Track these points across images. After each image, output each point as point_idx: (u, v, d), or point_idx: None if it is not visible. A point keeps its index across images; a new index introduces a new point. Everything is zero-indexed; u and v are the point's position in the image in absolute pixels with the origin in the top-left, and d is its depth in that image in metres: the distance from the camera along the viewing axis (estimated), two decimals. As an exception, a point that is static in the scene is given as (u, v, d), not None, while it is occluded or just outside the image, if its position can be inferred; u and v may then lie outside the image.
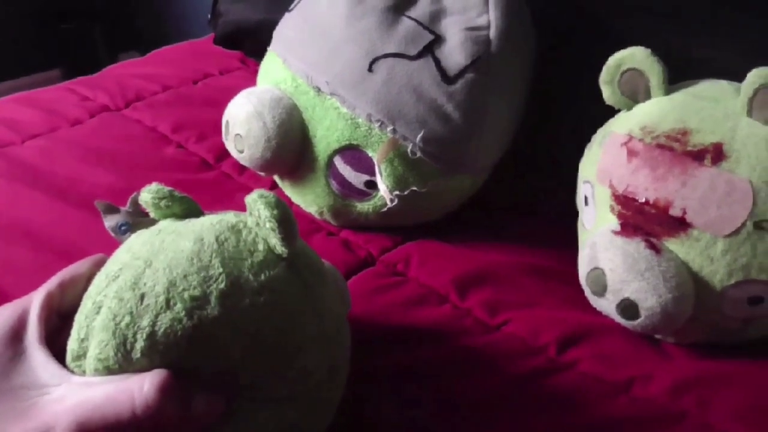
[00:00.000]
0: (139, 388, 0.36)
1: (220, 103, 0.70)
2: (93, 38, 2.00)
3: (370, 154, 0.63)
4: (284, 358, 0.41)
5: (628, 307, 0.53)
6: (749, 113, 0.53)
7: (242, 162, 0.68)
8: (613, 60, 0.58)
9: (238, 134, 0.66)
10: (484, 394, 0.53)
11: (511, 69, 0.66)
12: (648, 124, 0.55)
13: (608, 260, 0.53)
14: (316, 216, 0.70)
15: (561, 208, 0.65)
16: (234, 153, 0.68)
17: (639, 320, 0.53)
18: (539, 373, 0.55)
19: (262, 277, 0.41)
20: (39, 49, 1.92)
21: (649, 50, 0.56)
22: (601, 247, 0.54)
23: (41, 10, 1.90)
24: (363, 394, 0.51)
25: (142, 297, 0.39)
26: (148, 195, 0.44)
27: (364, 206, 0.66)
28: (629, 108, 0.59)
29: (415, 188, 0.63)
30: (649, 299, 0.52)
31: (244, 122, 0.65)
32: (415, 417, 0.51)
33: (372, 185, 0.64)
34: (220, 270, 0.40)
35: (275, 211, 0.41)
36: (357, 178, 0.65)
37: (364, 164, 0.64)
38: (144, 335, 0.38)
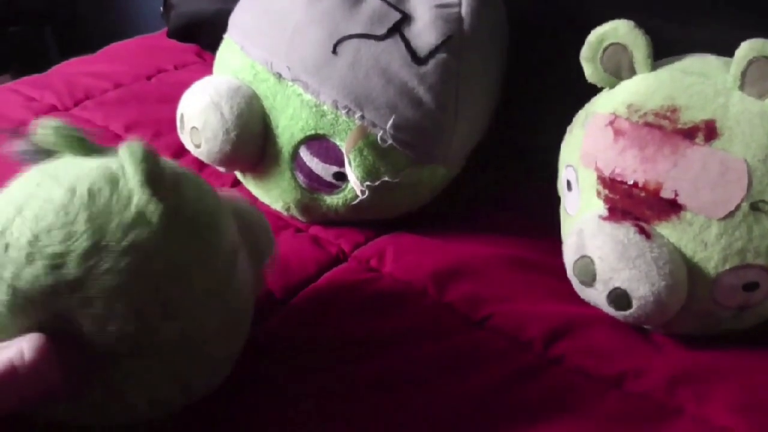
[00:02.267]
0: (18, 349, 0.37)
1: (175, 99, 0.67)
2: (43, 41, 1.95)
3: (338, 143, 0.60)
4: (149, 322, 0.40)
5: (620, 297, 0.51)
6: (741, 87, 0.50)
7: (200, 157, 0.65)
8: (594, 35, 0.55)
9: (194, 127, 0.63)
10: (470, 393, 0.51)
11: (484, 49, 0.63)
12: (634, 102, 0.53)
13: (597, 248, 0.51)
14: (283, 212, 0.68)
15: (542, 197, 0.63)
16: (191, 148, 0.65)
17: (631, 310, 0.51)
18: (526, 370, 0.53)
19: (130, 237, 0.38)
20: (-14, 54, 1.86)
21: (632, 23, 0.53)
22: (589, 234, 0.52)
23: (-14, 14, 1.84)
24: (339, 403, 0.49)
25: (7, 247, 0.38)
26: (41, 134, 0.43)
27: (333, 200, 0.63)
28: (612, 86, 0.56)
29: (386, 178, 0.61)
30: (641, 288, 0.49)
31: (200, 114, 0.62)
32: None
33: (341, 177, 0.62)
34: (84, 227, 0.38)
35: (142, 165, 0.39)
36: (325, 170, 0.62)
37: (332, 155, 0.61)
38: (5, 286, 0.38)
